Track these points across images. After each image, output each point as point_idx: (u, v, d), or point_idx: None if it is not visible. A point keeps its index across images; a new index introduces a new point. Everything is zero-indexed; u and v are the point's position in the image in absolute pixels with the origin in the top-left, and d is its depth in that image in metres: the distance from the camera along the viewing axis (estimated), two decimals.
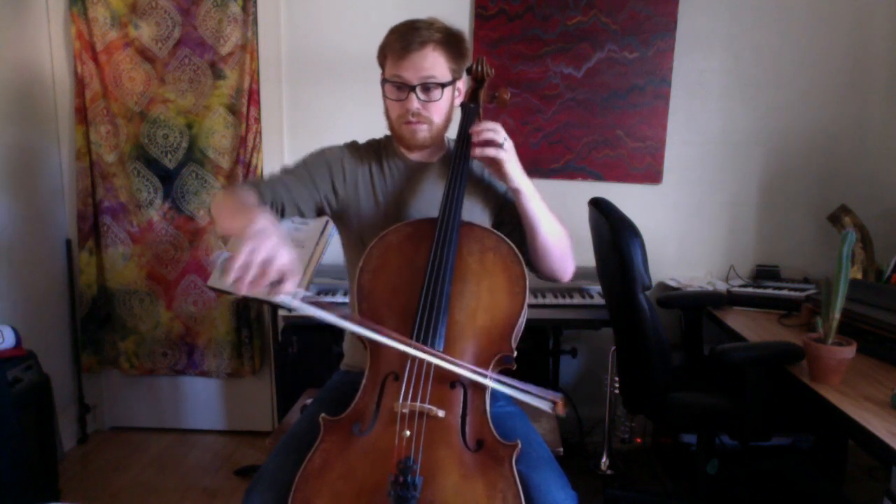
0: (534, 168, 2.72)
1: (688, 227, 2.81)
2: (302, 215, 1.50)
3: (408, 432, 1.16)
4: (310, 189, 1.48)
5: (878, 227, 2.57)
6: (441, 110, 1.44)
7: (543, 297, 2.47)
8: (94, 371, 2.85)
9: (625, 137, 2.72)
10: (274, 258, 1.07)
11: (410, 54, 1.37)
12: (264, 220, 1.17)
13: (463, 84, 1.51)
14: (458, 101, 1.51)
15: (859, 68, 2.68)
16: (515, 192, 1.40)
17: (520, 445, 1.17)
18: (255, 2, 2.62)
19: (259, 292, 1.08)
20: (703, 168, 2.77)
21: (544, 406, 1.18)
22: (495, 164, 1.39)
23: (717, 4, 2.65)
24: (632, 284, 1.92)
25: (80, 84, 2.64)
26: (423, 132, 1.44)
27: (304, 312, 1.14)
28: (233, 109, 2.69)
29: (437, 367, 1.22)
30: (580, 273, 2.48)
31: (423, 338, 1.24)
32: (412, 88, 1.39)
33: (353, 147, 1.57)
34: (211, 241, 2.77)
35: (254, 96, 2.67)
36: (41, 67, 2.64)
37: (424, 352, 1.21)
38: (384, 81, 1.44)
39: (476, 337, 1.29)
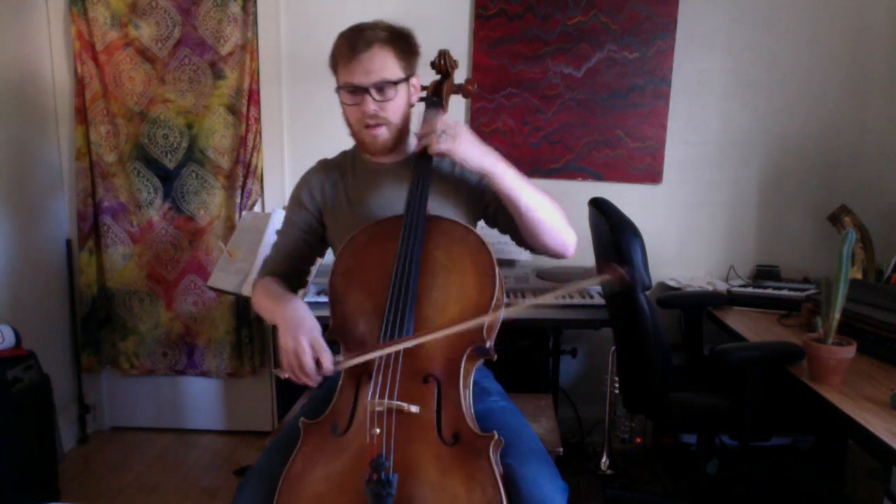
0: (534, 168, 2.72)
1: (688, 228, 2.81)
2: (320, 256, 1.64)
3: (377, 430, 1.16)
4: (304, 236, 1.57)
5: (878, 227, 2.56)
6: (398, 109, 1.44)
7: (540, 296, 2.46)
8: (94, 371, 2.85)
9: (625, 137, 2.72)
10: (304, 350, 1.24)
11: (359, 55, 1.38)
12: (287, 311, 1.32)
13: (418, 81, 1.50)
14: (414, 99, 1.50)
15: (859, 68, 2.68)
16: (483, 175, 1.39)
17: (496, 436, 1.16)
18: (255, 2, 2.62)
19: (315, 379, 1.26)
20: (703, 168, 2.77)
21: (599, 282, 1.19)
22: (448, 156, 1.37)
23: (717, 4, 2.65)
24: (632, 284, 1.92)
25: (80, 84, 2.64)
26: (383, 135, 1.45)
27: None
28: (233, 109, 2.69)
29: (405, 364, 1.23)
30: (580, 273, 2.51)
31: (391, 333, 1.24)
32: (366, 90, 1.39)
33: (321, 164, 1.61)
34: (211, 241, 2.77)
35: (254, 96, 2.67)
36: (41, 67, 2.64)
37: (396, 343, 1.22)
38: (338, 89, 1.44)
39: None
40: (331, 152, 1.61)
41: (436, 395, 1.22)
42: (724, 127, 2.74)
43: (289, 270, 1.56)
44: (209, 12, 2.63)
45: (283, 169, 2.75)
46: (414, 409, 1.18)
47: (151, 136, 2.72)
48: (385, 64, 1.39)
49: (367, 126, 1.43)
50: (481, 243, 1.33)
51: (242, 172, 2.70)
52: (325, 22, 2.66)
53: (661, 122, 2.71)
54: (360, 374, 1.26)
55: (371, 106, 1.40)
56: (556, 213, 1.42)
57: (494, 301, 1.28)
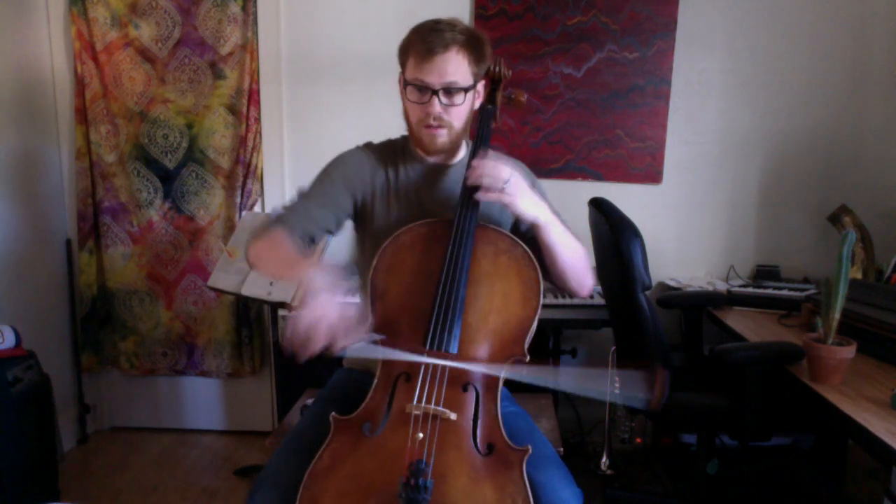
0: (534, 168, 2.70)
1: (688, 227, 2.81)
2: (331, 234, 1.51)
3: (421, 434, 1.16)
4: (334, 211, 1.47)
5: (878, 227, 2.57)
6: (462, 115, 1.43)
7: (543, 296, 2.45)
8: (94, 371, 2.85)
9: (625, 137, 2.72)
10: (319, 324, 1.13)
11: (434, 57, 1.35)
12: (314, 279, 1.22)
13: (481, 86, 1.49)
14: (477, 105, 1.49)
15: (859, 68, 2.68)
16: (532, 225, 1.37)
17: (530, 450, 1.17)
18: (255, 2, 2.62)
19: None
20: (703, 168, 2.76)
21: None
22: (507, 208, 1.37)
23: (717, 4, 2.65)
24: (632, 284, 1.92)
25: (80, 84, 2.64)
26: (442, 137, 1.43)
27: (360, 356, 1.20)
28: (233, 109, 2.69)
29: (452, 370, 1.23)
30: None
31: (438, 340, 1.24)
32: (434, 92, 1.37)
33: (369, 148, 1.55)
34: (211, 241, 2.77)
35: (254, 96, 2.67)
36: (41, 67, 2.64)
37: (442, 357, 1.21)
38: (405, 83, 1.41)
39: (489, 340, 1.29)
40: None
41: (473, 404, 1.23)
42: (724, 127, 2.74)
43: (305, 235, 1.43)
44: (209, 12, 2.63)
45: (283, 169, 2.75)
46: (453, 416, 1.19)
47: (151, 136, 2.72)
48: (458, 68, 1.37)
49: (429, 126, 1.41)
50: (528, 258, 1.34)
51: (242, 172, 2.70)
52: (325, 22, 2.68)
53: (661, 122, 2.71)
54: (399, 375, 1.26)
55: (437, 108, 1.38)
56: (584, 260, 1.45)
57: (538, 314, 1.31)
